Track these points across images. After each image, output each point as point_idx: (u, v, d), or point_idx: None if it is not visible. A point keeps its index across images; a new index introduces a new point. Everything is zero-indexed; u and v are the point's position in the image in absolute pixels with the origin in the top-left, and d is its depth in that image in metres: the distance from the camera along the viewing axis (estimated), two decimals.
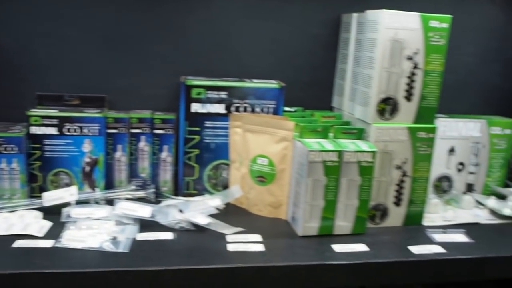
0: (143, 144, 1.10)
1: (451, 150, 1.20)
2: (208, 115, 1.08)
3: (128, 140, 1.08)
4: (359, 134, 1.01)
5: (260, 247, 0.91)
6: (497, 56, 1.30)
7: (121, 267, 0.80)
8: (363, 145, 0.96)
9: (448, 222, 1.09)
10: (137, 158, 1.10)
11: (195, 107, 1.07)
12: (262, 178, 1.05)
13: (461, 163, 1.22)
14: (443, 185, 1.22)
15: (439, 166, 1.20)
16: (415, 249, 0.94)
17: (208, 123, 1.09)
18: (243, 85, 1.08)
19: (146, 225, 0.96)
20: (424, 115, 1.01)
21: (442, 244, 0.97)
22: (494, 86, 1.31)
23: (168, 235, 0.93)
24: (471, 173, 1.23)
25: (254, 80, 1.12)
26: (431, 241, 0.98)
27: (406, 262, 0.90)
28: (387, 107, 0.99)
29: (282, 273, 0.85)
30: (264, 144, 1.04)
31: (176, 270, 0.81)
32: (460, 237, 1.01)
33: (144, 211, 0.97)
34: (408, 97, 0.99)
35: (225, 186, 1.13)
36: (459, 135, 1.20)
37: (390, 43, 0.96)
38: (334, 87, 1.21)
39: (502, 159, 1.25)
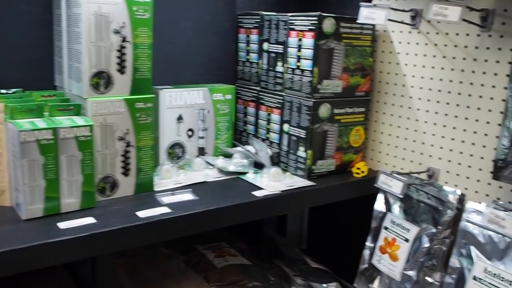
0: None
1: (179, 118, 1.29)
2: None
3: None
4: (77, 110, 1.01)
5: None
6: (213, 29, 1.42)
7: None
8: (79, 120, 0.97)
9: (180, 184, 1.17)
10: None
11: None
12: None
13: (191, 129, 1.31)
14: (176, 152, 1.30)
15: (170, 134, 1.28)
16: (143, 213, 0.99)
17: None
18: None
19: None
20: (140, 86, 1.06)
21: (169, 205, 1.04)
22: (214, 57, 1.43)
23: None
24: (201, 137, 1.33)
25: None
26: (159, 204, 1.05)
27: (132, 227, 0.95)
28: (101, 80, 1.01)
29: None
30: None
31: None
32: (187, 197, 1.09)
33: None
34: (121, 70, 1.02)
35: None
36: (185, 103, 1.29)
37: (95, 17, 0.97)
38: (55, 65, 1.18)
39: (227, 122, 1.38)
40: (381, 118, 1.36)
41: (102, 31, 0.98)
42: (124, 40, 1.01)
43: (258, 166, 1.30)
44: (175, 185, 1.16)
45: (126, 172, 1.07)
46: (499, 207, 1.01)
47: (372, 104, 1.37)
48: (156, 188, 1.13)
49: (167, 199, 1.07)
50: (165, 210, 1.01)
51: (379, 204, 1.27)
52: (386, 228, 1.24)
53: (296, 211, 1.68)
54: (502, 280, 0.98)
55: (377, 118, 1.37)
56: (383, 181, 1.18)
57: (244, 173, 1.26)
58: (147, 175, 1.11)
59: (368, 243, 1.30)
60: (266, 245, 1.63)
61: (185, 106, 1.29)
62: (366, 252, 1.30)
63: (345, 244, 1.52)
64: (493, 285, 0.99)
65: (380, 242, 1.25)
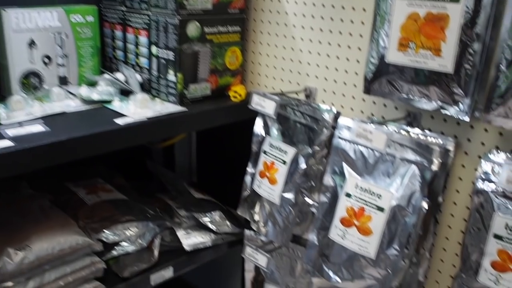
0: None
1: (32, 43, 1.14)
2: None
3: None
4: None
5: None
6: None
7: None
8: None
9: (33, 116, 1.04)
10: None
11: None
12: None
13: (47, 56, 1.17)
14: (32, 82, 1.16)
15: (22, 61, 1.13)
16: None
17: None
18: None
19: None
20: None
21: (13, 138, 0.92)
22: None
23: None
24: (61, 65, 1.20)
25: None
26: (2, 137, 0.92)
27: None
28: None
29: None
30: None
31: None
32: (36, 128, 0.98)
33: None
34: None
35: None
36: (37, 26, 1.14)
37: None
38: None
39: (92, 48, 1.25)
40: (259, 37, 1.28)
41: None
42: None
43: (127, 94, 1.19)
44: (27, 117, 1.03)
45: None
46: (367, 121, 0.98)
47: (248, 23, 1.29)
48: (3, 122, 1.00)
49: (12, 132, 0.95)
50: (7, 143, 0.89)
51: (258, 128, 1.22)
52: (265, 152, 1.19)
53: (163, 136, 1.55)
54: (372, 195, 0.97)
55: (254, 38, 1.29)
56: (256, 102, 1.12)
57: (110, 102, 1.15)
58: None
59: (249, 169, 1.25)
60: (150, 179, 1.55)
61: (37, 29, 1.14)
62: (248, 178, 1.26)
63: (231, 173, 1.47)
64: (363, 199, 0.98)
65: (260, 166, 1.20)
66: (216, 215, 1.31)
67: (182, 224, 1.29)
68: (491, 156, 0.89)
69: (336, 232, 1.02)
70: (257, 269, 1.38)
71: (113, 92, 1.17)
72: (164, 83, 1.19)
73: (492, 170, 0.88)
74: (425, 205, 0.94)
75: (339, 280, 1.02)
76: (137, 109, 1.11)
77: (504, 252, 0.87)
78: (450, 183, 1.00)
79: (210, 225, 1.29)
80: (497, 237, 0.87)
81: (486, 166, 0.89)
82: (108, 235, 1.12)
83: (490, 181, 0.88)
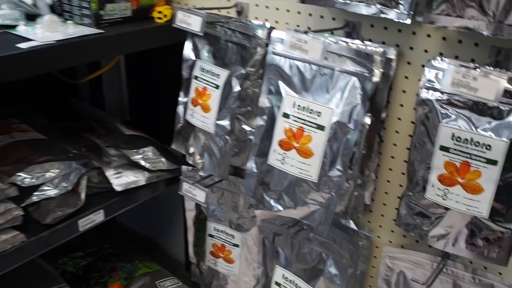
0: None
1: None
2: None
3: None
4: None
5: None
6: None
7: None
8: None
9: None
10: None
11: None
12: None
13: None
14: None
15: None
16: None
17: None
18: None
19: None
20: None
21: None
22: None
23: None
24: None
25: None
26: None
27: None
28: None
29: None
30: None
31: None
32: None
33: None
34: None
35: None
36: None
37: None
38: None
39: None
40: None
41: None
42: None
43: (35, 19, 1.05)
44: None
45: None
46: (301, 32, 0.88)
47: None
48: None
49: None
50: None
51: (187, 51, 1.10)
52: (196, 78, 1.09)
53: (77, 63, 1.37)
54: (310, 113, 0.89)
55: None
56: (181, 19, 1.00)
57: (14, 27, 1.01)
58: None
59: (181, 98, 1.15)
60: (78, 120, 1.42)
61: None
62: (180, 109, 1.15)
63: (165, 105, 1.36)
64: (302, 119, 0.90)
65: (192, 94, 1.10)
66: (149, 151, 1.21)
67: (111, 163, 1.18)
68: (434, 63, 0.82)
69: (275, 157, 0.94)
70: (198, 207, 1.30)
71: (19, 15, 1.03)
72: (76, 3, 1.04)
73: (436, 77, 0.81)
74: (367, 120, 0.87)
75: (281, 208, 0.95)
76: (45, 33, 0.97)
77: (451, 165, 0.81)
78: (394, 97, 0.93)
79: (142, 162, 1.19)
80: (444, 148, 0.81)
81: (429, 74, 0.82)
82: (23, 178, 1.01)
83: (435, 89, 0.81)
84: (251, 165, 0.99)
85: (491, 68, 0.75)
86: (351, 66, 0.85)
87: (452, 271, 0.94)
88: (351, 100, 0.86)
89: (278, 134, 0.93)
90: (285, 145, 0.92)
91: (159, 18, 1.11)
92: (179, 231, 1.48)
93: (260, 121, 0.97)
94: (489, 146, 0.77)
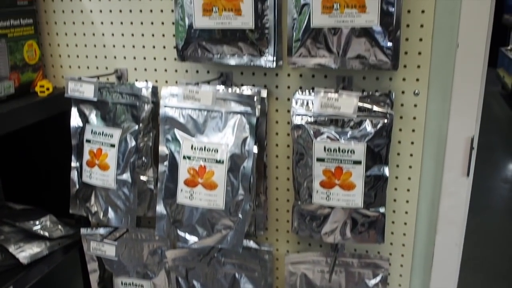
0: None
1: None
2: None
3: None
4: None
5: None
6: None
7: None
8: None
9: None
10: None
11: None
12: None
13: None
14: None
15: None
16: None
17: None
18: None
19: None
20: None
21: None
22: None
23: None
24: None
25: None
26: None
27: None
28: None
29: None
30: None
31: None
32: None
33: None
34: None
35: None
36: None
37: None
38: None
39: None
40: (54, 28, 1.23)
41: None
42: None
43: None
44: None
45: None
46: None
47: (40, 15, 1.23)
48: None
49: None
50: None
51: (74, 119, 1.18)
52: (88, 141, 1.16)
53: None
54: (208, 151, 1.04)
55: (49, 29, 1.24)
56: (73, 88, 1.09)
57: None
58: None
59: (74, 164, 1.20)
60: None
61: None
62: (74, 173, 1.21)
63: (53, 175, 1.39)
64: (202, 157, 1.04)
65: (86, 157, 1.17)
66: (47, 220, 1.23)
67: (10, 240, 1.18)
68: (297, 96, 1.04)
69: (184, 195, 1.06)
70: (101, 266, 1.34)
71: None
72: None
73: (302, 105, 1.03)
74: (255, 149, 1.04)
75: (196, 239, 1.07)
76: None
77: (328, 171, 1.02)
78: (269, 127, 1.13)
79: (41, 232, 1.21)
80: (320, 159, 1.02)
81: (296, 104, 1.04)
82: None
83: (303, 115, 1.03)
84: (160, 208, 1.09)
85: (343, 91, 0.99)
86: (236, 107, 1.03)
87: (342, 261, 1.15)
88: (241, 134, 1.03)
89: (183, 174, 1.06)
90: (191, 183, 1.05)
91: (42, 91, 1.17)
92: None
93: (162, 168, 1.09)
94: (353, 150, 1.00)
